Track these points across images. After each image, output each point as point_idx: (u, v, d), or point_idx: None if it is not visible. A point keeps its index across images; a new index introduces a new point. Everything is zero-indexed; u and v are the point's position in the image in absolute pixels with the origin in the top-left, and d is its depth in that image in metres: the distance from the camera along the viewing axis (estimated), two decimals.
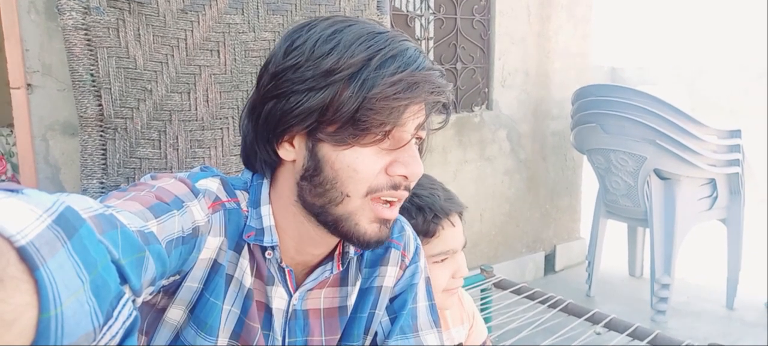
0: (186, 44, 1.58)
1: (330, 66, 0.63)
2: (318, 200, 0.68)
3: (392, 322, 0.84)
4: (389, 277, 0.84)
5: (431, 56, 2.95)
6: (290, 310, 0.77)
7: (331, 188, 0.66)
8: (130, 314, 0.42)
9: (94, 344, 0.38)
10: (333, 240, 0.75)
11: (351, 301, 0.81)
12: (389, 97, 0.62)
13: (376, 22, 0.74)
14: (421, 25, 2.94)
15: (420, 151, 0.72)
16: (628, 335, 1.69)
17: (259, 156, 0.71)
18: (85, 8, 1.42)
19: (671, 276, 2.94)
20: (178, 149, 1.60)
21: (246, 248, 0.72)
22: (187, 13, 1.57)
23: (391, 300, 0.85)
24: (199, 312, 0.70)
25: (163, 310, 0.70)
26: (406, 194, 0.70)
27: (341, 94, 0.62)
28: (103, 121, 1.49)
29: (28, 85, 1.69)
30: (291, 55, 0.65)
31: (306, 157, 0.67)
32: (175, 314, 0.70)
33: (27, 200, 0.37)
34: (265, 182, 0.74)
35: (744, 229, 3.09)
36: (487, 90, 3.21)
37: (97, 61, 1.46)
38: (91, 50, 1.44)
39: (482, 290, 2.10)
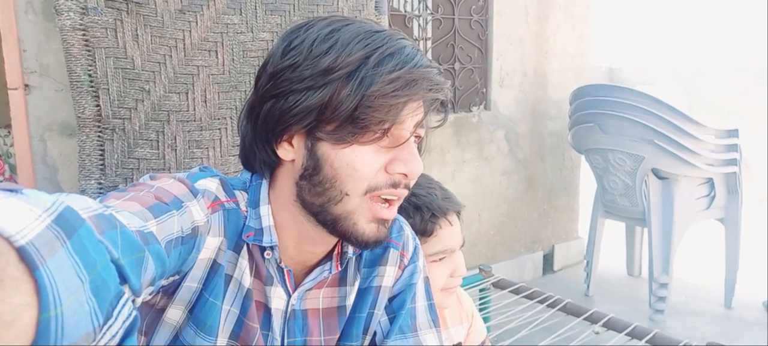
0: (184, 45, 1.58)
1: (328, 65, 0.63)
2: (317, 200, 0.68)
3: (391, 322, 0.84)
4: (388, 277, 0.84)
5: (429, 57, 2.95)
6: (289, 310, 0.77)
7: (330, 186, 0.66)
8: (130, 314, 0.42)
9: (93, 344, 0.38)
10: (332, 240, 0.75)
11: (350, 301, 0.81)
12: (387, 95, 0.62)
13: (374, 21, 0.74)
14: (419, 25, 2.95)
15: (419, 149, 0.72)
16: (626, 334, 1.69)
17: (258, 156, 0.71)
18: (83, 9, 1.42)
19: (669, 275, 2.94)
20: (176, 150, 1.60)
21: (245, 248, 0.72)
22: (185, 13, 1.57)
23: (390, 300, 0.85)
24: (198, 312, 0.70)
25: (163, 310, 0.70)
26: (405, 193, 0.70)
27: (340, 93, 0.62)
28: (101, 121, 1.49)
29: (26, 85, 1.69)
30: (289, 55, 0.65)
31: (305, 156, 0.67)
32: (175, 314, 0.70)
33: (26, 199, 0.37)
34: (265, 182, 0.74)
35: (742, 228, 3.10)
36: (485, 90, 3.21)
37: (94, 62, 1.45)
38: (88, 51, 1.44)
39: (481, 290, 2.10)
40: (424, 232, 1.01)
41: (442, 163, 3.02)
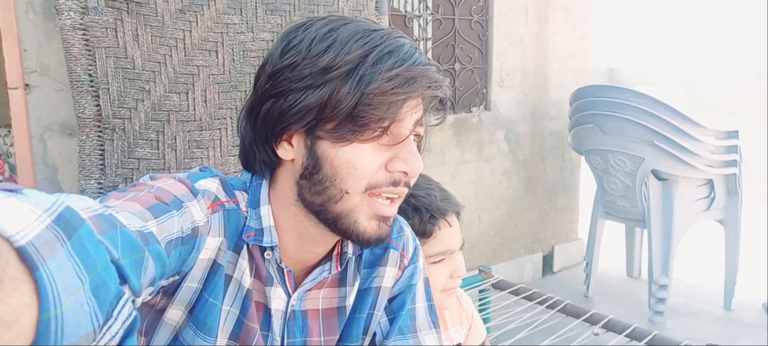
0: (184, 44, 1.58)
1: (327, 63, 0.63)
2: (317, 198, 0.68)
3: (391, 322, 0.84)
4: (388, 277, 0.84)
5: (429, 57, 2.95)
6: (289, 310, 0.77)
7: (330, 185, 0.66)
8: (130, 315, 0.42)
9: (93, 344, 0.38)
10: (333, 239, 0.75)
11: (350, 301, 0.81)
12: (387, 93, 0.62)
13: (373, 21, 0.74)
14: (420, 25, 2.95)
15: (418, 148, 0.72)
16: (625, 335, 1.69)
17: (258, 157, 0.71)
18: (83, 8, 1.42)
19: (669, 277, 2.94)
20: (176, 150, 1.60)
21: (245, 248, 0.72)
22: (185, 13, 1.57)
23: (390, 301, 0.85)
24: (198, 312, 0.70)
25: (163, 310, 0.70)
26: (405, 191, 0.70)
27: (339, 91, 0.63)
28: (101, 121, 1.49)
29: (26, 85, 1.69)
30: (288, 55, 0.65)
31: (305, 155, 0.67)
32: (174, 314, 0.70)
33: (26, 200, 0.37)
34: (265, 183, 0.74)
35: (742, 229, 3.10)
36: (485, 91, 3.21)
37: (95, 62, 1.45)
38: (89, 50, 1.44)
39: (481, 291, 2.10)
40: (423, 233, 1.01)
41: (442, 164, 3.02)
